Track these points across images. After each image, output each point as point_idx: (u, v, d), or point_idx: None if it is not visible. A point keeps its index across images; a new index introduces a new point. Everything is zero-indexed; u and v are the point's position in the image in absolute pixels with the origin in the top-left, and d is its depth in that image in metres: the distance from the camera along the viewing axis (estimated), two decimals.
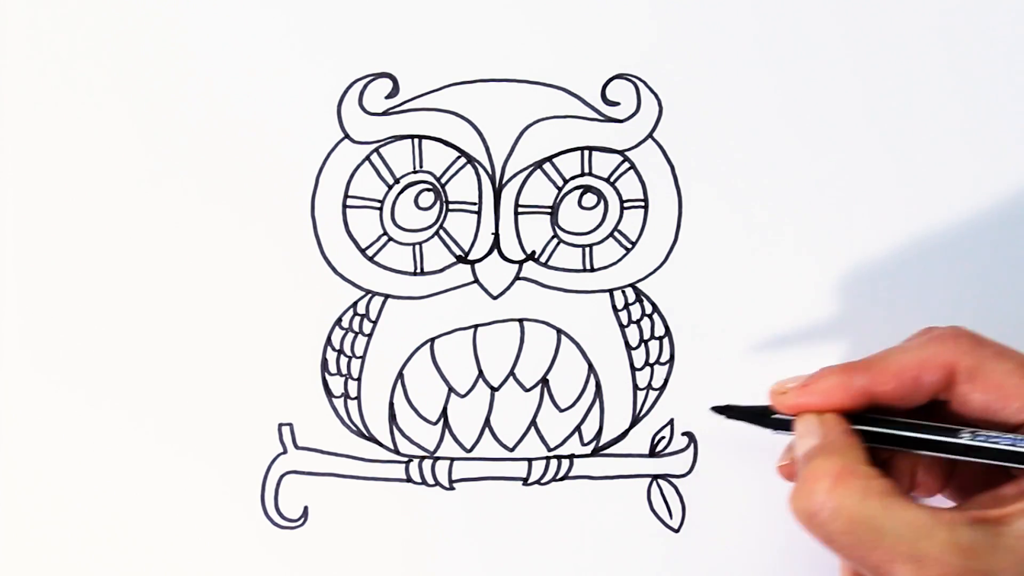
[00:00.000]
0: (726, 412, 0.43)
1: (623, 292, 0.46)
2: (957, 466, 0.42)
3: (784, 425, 0.41)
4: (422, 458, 0.45)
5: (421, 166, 0.45)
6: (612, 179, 0.46)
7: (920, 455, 0.41)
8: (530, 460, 0.45)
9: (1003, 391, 0.39)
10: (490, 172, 0.45)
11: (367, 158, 0.45)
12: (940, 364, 0.39)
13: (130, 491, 0.45)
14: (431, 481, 0.45)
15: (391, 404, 0.45)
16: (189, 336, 0.45)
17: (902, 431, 0.40)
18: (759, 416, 0.42)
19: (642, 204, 0.46)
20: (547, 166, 0.45)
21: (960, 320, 0.41)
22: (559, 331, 0.46)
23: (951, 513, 0.37)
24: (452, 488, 0.45)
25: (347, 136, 0.45)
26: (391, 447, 0.45)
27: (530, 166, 0.45)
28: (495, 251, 0.45)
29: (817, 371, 0.41)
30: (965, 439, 0.39)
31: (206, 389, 0.45)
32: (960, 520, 0.36)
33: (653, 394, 0.46)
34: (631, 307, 0.46)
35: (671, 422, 0.46)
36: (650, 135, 0.46)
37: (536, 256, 0.46)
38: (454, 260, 0.45)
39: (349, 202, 0.45)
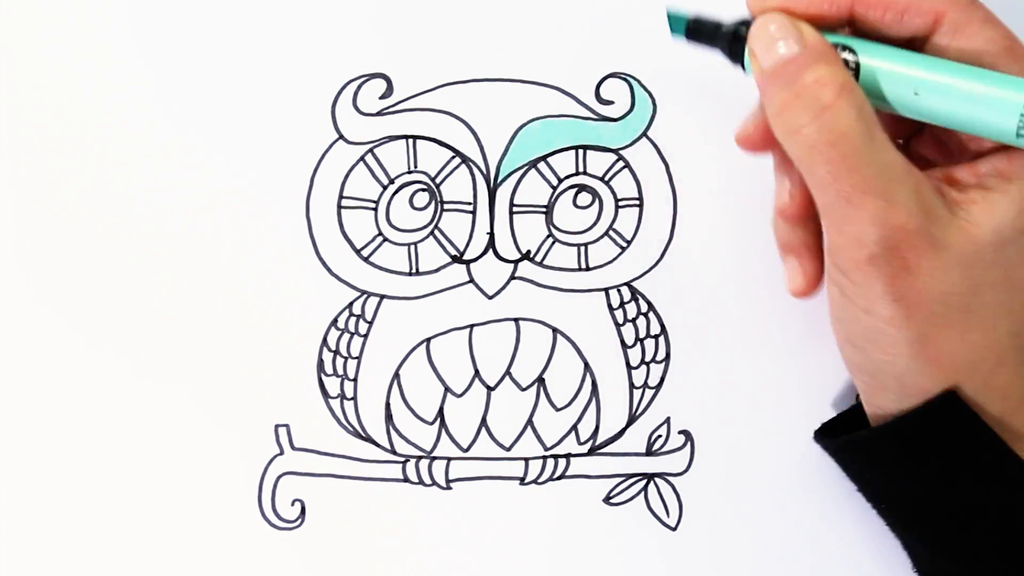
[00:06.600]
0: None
1: (618, 291, 0.46)
2: (916, 130, 0.40)
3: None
4: (419, 458, 0.45)
5: (416, 166, 0.45)
6: (607, 178, 0.46)
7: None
8: (527, 459, 0.45)
9: (976, 57, 0.36)
10: (485, 172, 0.45)
11: (362, 159, 0.45)
12: (930, 8, 0.36)
13: (127, 492, 0.45)
14: (428, 481, 0.45)
15: (387, 404, 0.45)
16: (185, 338, 0.45)
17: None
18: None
19: (637, 203, 0.46)
20: (541, 165, 0.45)
21: None
22: (555, 330, 0.45)
23: (920, 172, 0.36)
24: (449, 488, 0.45)
25: (341, 137, 0.45)
26: (388, 447, 0.45)
27: (524, 165, 0.45)
28: (490, 251, 0.45)
29: None
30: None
31: (202, 390, 0.45)
32: (927, 183, 0.36)
33: (649, 392, 0.45)
34: (627, 306, 0.46)
35: (667, 420, 0.46)
36: (644, 134, 0.46)
37: (531, 255, 0.46)
38: (449, 260, 0.45)
39: (344, 203, 0.45)
